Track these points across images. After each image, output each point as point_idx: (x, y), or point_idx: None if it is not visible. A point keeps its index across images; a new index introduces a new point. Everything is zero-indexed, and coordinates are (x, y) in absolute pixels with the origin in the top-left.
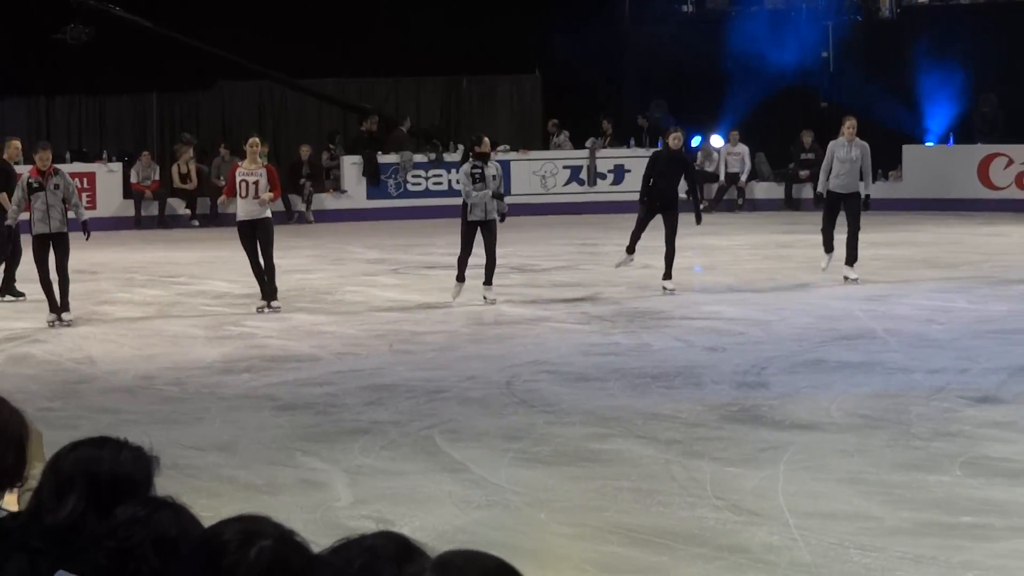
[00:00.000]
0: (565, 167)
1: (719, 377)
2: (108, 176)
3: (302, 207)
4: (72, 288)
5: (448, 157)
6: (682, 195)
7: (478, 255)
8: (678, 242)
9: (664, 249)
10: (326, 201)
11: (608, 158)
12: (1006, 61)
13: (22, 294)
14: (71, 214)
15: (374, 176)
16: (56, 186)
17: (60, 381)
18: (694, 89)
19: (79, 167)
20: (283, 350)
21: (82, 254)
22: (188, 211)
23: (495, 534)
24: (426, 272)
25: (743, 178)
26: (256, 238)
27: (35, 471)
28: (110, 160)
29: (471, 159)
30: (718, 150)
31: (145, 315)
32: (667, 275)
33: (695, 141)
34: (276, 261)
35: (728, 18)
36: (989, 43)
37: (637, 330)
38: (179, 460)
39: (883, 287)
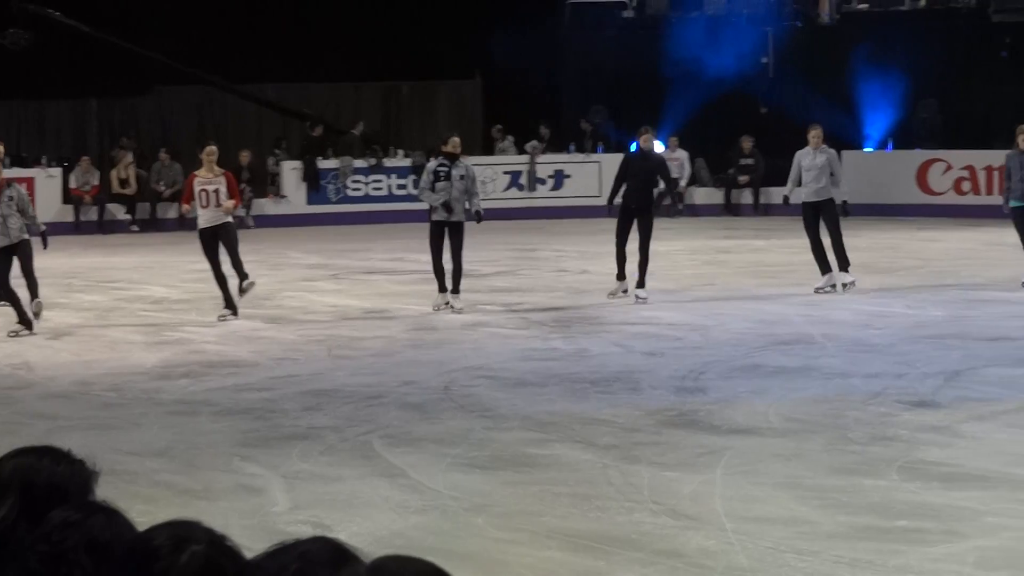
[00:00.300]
0: (505, 172)
1: (657, 382)
2: (47, 181)
3: (242, 212)
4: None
5: (388, 162)
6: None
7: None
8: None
9: (638, 257)
10: (266, 206)
11: (548, 163)
12: (945, 67)
13: None
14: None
15: (314, 181)
16: (11, 198)
17: None
18: (634, 94)
19: (18, 172)
20: (221, 355)
21: None
22: (128, 216)
23: (432, 539)
24: (365, 277)
25: (682, 184)
26: (219, 242)
27: None
28: (49, 165)
29: (439, 157)
30: None
31: (83, 321)
32: (640, 283)
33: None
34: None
35: (668, 24)
36: (928, 49)
37: (575, 335)
38: (116, 466)
39: (821, 292)
